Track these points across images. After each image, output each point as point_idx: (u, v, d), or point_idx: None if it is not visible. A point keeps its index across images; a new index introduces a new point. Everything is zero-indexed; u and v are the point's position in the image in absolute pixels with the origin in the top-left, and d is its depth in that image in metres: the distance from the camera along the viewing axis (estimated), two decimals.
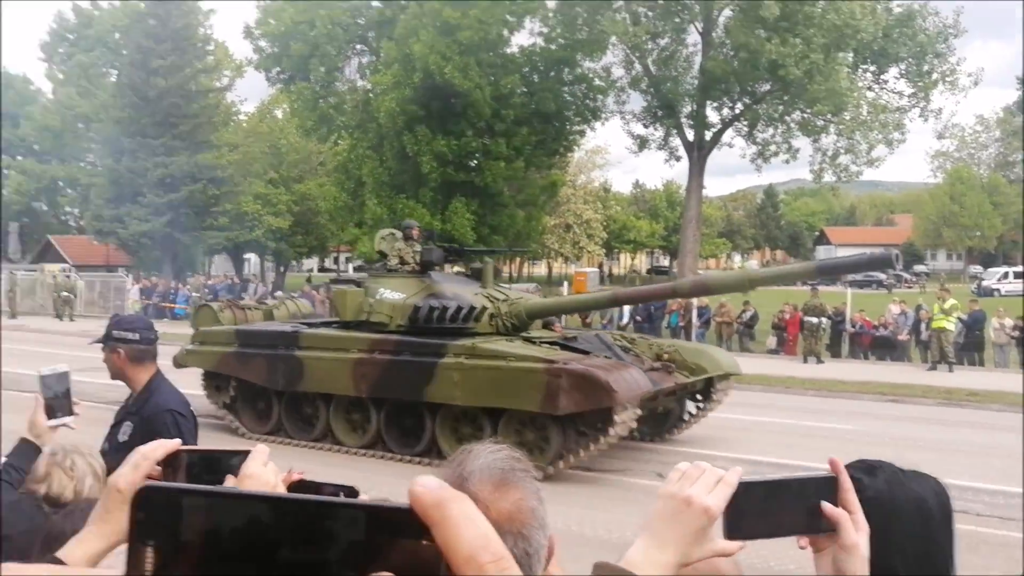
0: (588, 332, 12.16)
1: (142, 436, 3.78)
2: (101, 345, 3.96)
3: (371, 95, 33.07)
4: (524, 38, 32.33)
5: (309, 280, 37.98)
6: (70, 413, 3.16)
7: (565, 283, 31.40)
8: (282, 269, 52.17)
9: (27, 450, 2.94)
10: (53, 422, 3.10)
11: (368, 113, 32.48)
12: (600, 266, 68.58)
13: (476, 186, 31.43)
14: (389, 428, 10.48)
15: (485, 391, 9.44)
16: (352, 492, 2.01)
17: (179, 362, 12.06)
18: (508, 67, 31.06)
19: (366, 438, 10.64)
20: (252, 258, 58.73)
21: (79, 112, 44.70)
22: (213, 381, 11.91)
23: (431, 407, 10.03)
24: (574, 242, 62.15)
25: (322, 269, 74.86)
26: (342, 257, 77.78)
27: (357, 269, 64.63)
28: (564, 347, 9.98)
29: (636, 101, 34.54)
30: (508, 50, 32.04)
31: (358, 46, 35.38)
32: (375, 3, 33.88)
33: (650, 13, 31.47)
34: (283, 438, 11.16)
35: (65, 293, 35.02)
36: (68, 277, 37.25)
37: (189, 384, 11.93)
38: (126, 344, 3.92)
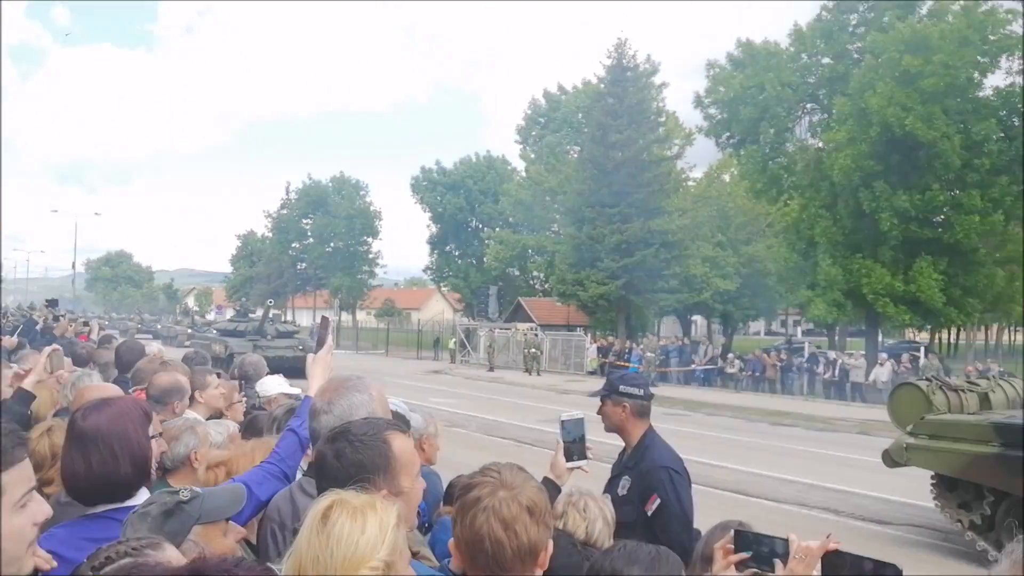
0: None
1: (639, 491, 3.96)
2: (601, 398, 4.13)
3: (823, 153, 32.10)
4: (999, 79, 28.93)
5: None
6: (584, 457, 3.43)
7: None
8: (730, 331, 52.25)
9: (548, 488, 3.23)
10: (571, 464, 3.40)
11: (820, 172, 31.54)
12: None
13: (944, 243, 28.80)
14: None
15: None
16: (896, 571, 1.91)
17: (895, 459, 10.06)
18: (981, 112, 28.16)
19: None
20: (699, 320, 59.70)
21: (546, 187, 49.15)
22: (953, 491, 9.49)
23: None
24: None
25: (769, 333, 73.73)
26: (790, 320, 76.02)
27: (806, 333, 62.63)
28: None
29: None
30: (980, 93, 29.10)
31: (809, 105, 34.68)
32: (826, 60, 33.04)
33: None
34: None
35: (533, 350, 38.52)
36: (536, 335, 40.97)
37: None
38: (631, 399, 4.07)
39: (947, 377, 12.77)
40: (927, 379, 11.11)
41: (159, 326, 59.61)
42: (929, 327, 39.12)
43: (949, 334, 58.56)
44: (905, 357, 29.72)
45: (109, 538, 1.78)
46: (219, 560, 1.25)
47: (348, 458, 2.15)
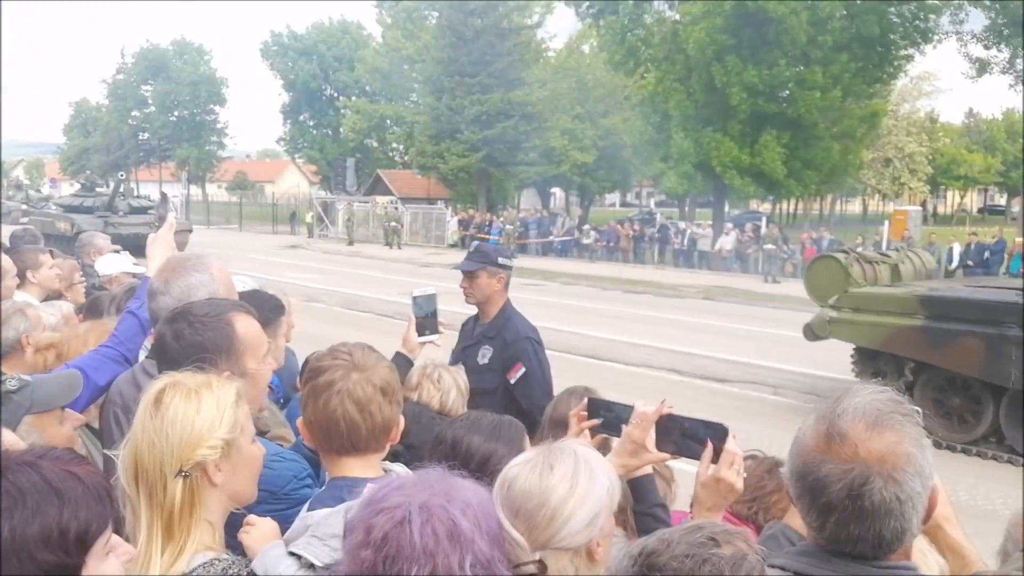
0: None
1: (502, 360, 4.07)
2: (474, 271, 4.12)
3: (679, 26, 32.38)
4: None
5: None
6: (436, 332, 3.49)
7: (886, 223, 29.23)
8: (587, 203, 53.21)
9: (401, 363, 3.27)
10: (423, 339, 3.44)
11: (676, 45, 31.82)
12: (923, 204, 63.15)
13: (788, 118, 29.88)
14: None
15: None
16: (722, 431, 2.05)
17: (816, 332, 10.10)
18: None
19: None
20: (557, 192, 60.46)
21: (404, 54, 47.72)
22: (871, 362, 9.67)
23: None
24: (894, 178, 57.68)
25: (624, 204, 75.56)
26: (644, 192, 78.01)
27: (659, 204, 64.58)
28: None
29: (976, 19, 30.95)
30: None
31: None
32: None
33: None
34: (996, 450, 8.75)
35: (393, 223, 38.25)
36: (396, 209, 40.61)
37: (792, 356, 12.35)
38: (506, 271, 4.18)
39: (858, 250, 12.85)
40: (843, 251, 11.42)
41: None
42: (771, 198, 40.98)
43: (789, 205, 61.66)
44: (749, 227, 31.14)
45: None
46: (23, 452, 1.22)
47: (187, 339, 2.11)
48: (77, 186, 37.13)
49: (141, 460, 1.59)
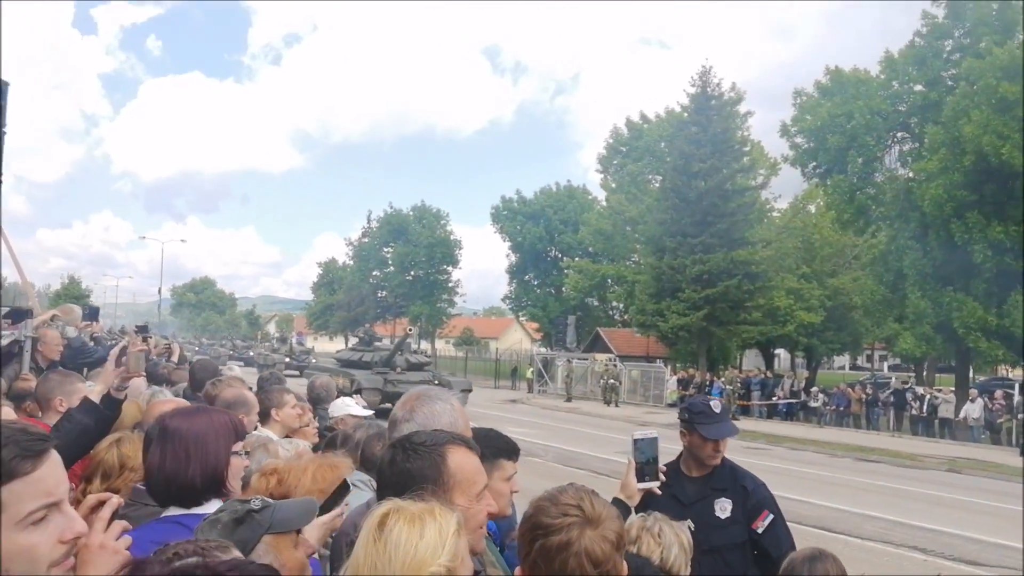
0: None
1: (744, 511, 3.92)
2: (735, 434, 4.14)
3: (913, 183, 31.29)
4: None
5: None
6: (656, 479, 3.36)
7: None
8: (813, 365, 50.98)
9: (619, 509, 3.15)
10: (643, 485, 3.33)
11: (910, 202, 30.71)
12: None
13: None
14: None
15: None
16: None
17: None
18: None
19: None
20: (781, 353, 58.42)
21: (627, 216, 48.93)
22: None
23: None
24: None
25: (854, 367, 71.70)
26: (876, 354, 73.82)
27: (892, 368, 60.72)
28: None
29: None
30: None
31: (899, 134, 33.87)
32: (918, 88, 32.21)
33: None
34: None
35: (612, 380, 38.19)
36: (614, 366, 40.64)
37: None
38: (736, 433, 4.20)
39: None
40: None
41: (252, 353, 58.38)
42: (1023, 363, 37.59)
43: None
44: (999, 394, 28.54)
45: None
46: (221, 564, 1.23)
47: (398, 465, 2.13)
48: (352, 340, 37.28)
49: None
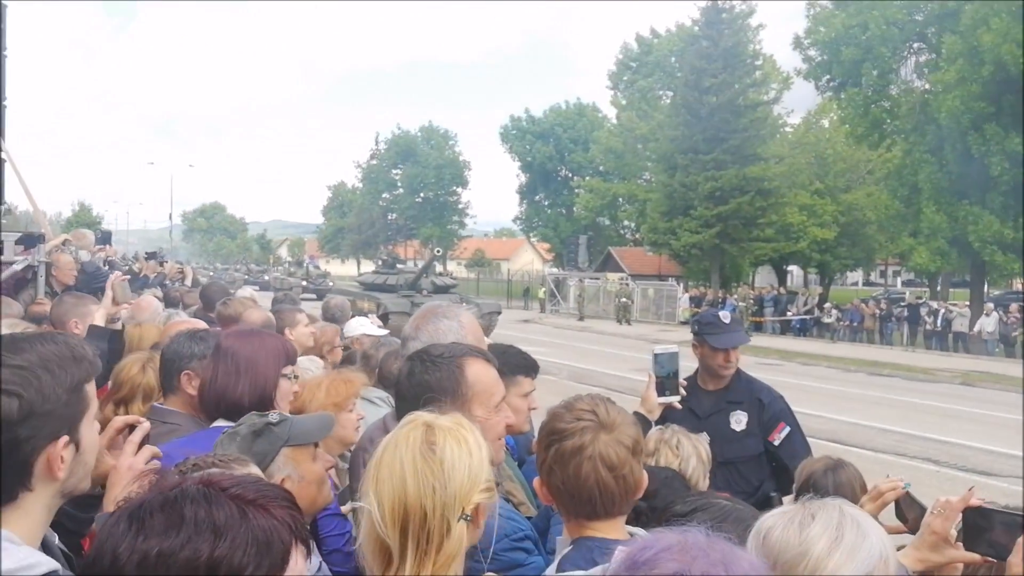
0: None
1: (760, 423, 3.92)
2: (743, 343, 4.18)
3: (929, 95, 30.70)
4: None
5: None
6: (676, 393, 3.34)
7: None
8: (827, 281, 50.91)
9: (640, 423, 3.14)
10: (663, 399, 3.31)
11: (926, 115, 30.17)
12: None
13: None
14: None
15: None
16: None
17: None
18: None
19: None
20: (795, 270, 58.32)
21: (638, 133, 48.34)
22: None
23: None
24: None
25: (867, 283, 71.57)
26: (890, 270, 73.57)
27: (906, 283, 60.62)
28: None
29: None
30: None
31: (915, 44, 33.07)
32: None
33: None
34: None
35: (624, 299, 38.31)
36: (626, 285, 40.70)
37: None
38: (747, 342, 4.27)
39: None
40: None
41: (267, 277, 57.37)
42: None
43: None
44: (1014, 307, 28.50)
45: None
46: (220, 477, 1.22)
47: (417, 377, 2.15)
48: (371, 265, 35.87)
49: (416, 506, 1.58)
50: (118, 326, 4.02)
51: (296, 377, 2.85)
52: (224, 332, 2.77)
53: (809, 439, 11.58)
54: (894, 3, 31.72)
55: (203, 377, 2.66)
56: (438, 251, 29.64)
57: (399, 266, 28.16)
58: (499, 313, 26.15)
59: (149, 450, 2.01)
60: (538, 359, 3.06)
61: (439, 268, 63.19)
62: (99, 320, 3.91)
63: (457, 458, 1.61)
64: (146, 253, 15.27)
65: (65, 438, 1.53)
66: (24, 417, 1.45)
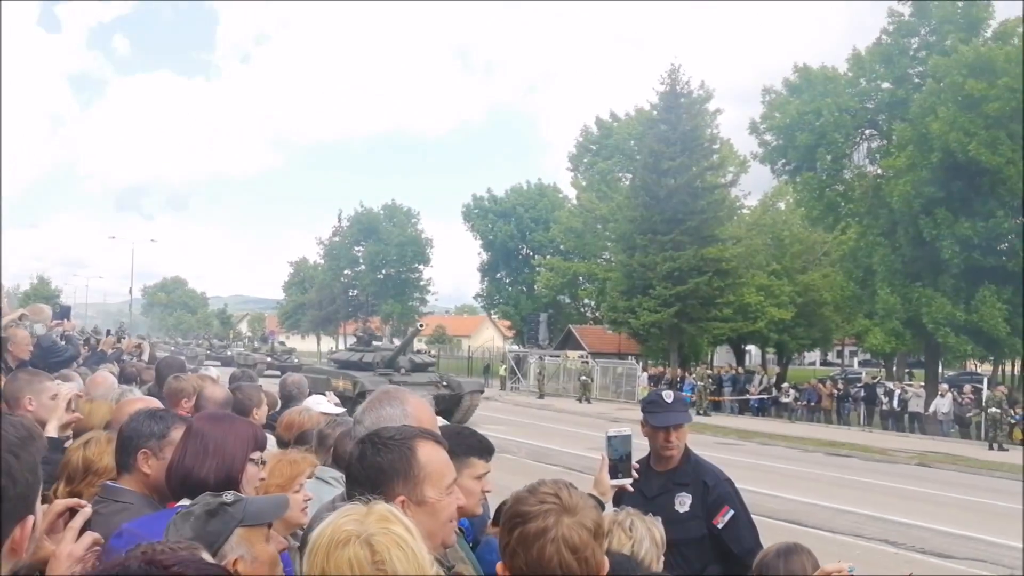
0: None
1: (704, 506, 3.90)
2: (686, 422, 4.11)
3: (882, 180, 31.62)
4: None
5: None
6: (629, 475, 3.36)
7: None
8: (784, 361, 51.41)
9: None
10: (615, 482, 3.32)
11: (879, 199, 31.03)
12: None
13: (1009, 271, 28.01)
14: None
15: None
16: None
17: None
18: None
19: None
20: (752, 349, 58.84)
21: (598, 214, 48.97)
22: None
23: None
24: None
25: (824, 363, 72.34)
26: (846, 350, 74.52)
27: (863, 363, 61.35)
28: None
29: None
30: None
31: (867, 131, 34.17)
32: (886, 85, 32.51)
33: None
34: None
35: (584, 378, 38.32)
36: (586, 363, 40.75)
37: None
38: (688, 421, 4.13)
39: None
40: None
41: (230, 352, 57.28)
42: (992, 358, 38.12)
43: (1012, 365, 56.86)
44: (968, 388, 28.94)
45: None
46: (168, 553, 1.23)
47: (368, 460, 2.14)
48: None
49: None
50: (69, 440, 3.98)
51: (264, 463, 2.83)
52: (197, 415, 2.77)
53: (767, 519, 11.60)
54: (846, 91, 32.85)
55: (172, 457, 2.66)
56: (420, 326, 29.23)
57: (375, 343, 27.52)
58: (481, 392, 25.90)
59: (90, 536, 1.96)
60: (498, 437, 3.07)
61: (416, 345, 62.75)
62: (52, 431, 3.86)
63: (405, 564, 1.58)
64: (108, 331, 15.08)
65: (31, 518, 1.53)
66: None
